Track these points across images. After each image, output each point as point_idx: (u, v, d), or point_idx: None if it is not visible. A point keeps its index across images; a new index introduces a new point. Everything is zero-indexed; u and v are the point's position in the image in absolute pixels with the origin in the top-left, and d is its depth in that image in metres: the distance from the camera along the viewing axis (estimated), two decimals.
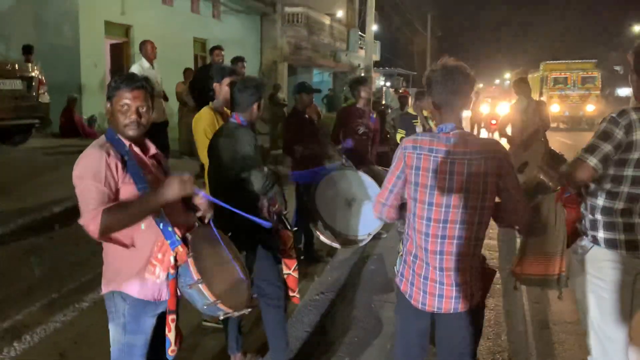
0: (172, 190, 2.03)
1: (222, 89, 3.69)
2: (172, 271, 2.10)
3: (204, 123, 3.59)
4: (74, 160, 2.09)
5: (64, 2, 11.52)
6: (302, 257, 5.22)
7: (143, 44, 6.85)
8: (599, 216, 2.39)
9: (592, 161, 2.28)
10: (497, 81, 60.97)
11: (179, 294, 2.15)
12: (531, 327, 4.07)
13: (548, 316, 4.21)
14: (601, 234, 2.38)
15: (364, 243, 4.96)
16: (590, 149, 2.30)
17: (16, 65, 8.09)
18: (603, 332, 2.43)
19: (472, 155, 2.10)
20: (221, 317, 2.22)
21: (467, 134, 2.17)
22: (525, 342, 3.83)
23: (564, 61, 27.17)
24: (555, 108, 24.28)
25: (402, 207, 2.31)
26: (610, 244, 2.36)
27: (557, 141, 17.33)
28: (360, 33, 28.05)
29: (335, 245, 4.81)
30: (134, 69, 6.73)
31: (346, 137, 5.51)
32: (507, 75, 51.93)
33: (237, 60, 8.60)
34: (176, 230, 2.11)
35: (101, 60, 12.35)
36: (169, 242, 2.09)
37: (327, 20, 23.34)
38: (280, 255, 3.14)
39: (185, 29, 15.15)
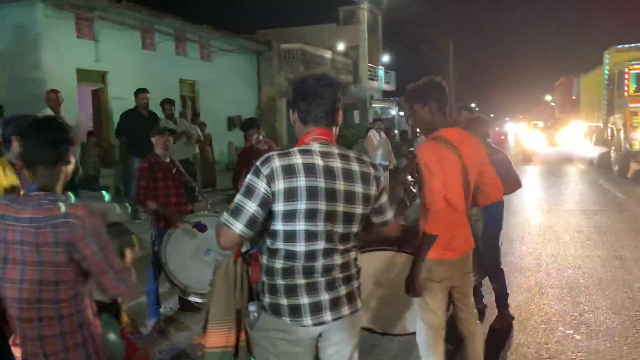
0: None
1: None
2: None
3: None
4: None
5: (35, 54, 11.80)
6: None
7: (46, 93, 6.74)
8: (264, 277, 1.99)
9: (238, 227, 1.88)
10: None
11: None
12: None
13: None
14: (267, 299, 1.98)
15: None
16: (235, 211, 1.90)
17: None
18: None
19: (32, 222, 1.83)
20: None
21: (34, 197, 1.86)
22: None
23: None
24: None
25: None
26: (274, 310, 1.95)
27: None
28: (370, 65, 27.90)
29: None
30: None
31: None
32: (548, 97, 47.49)
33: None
34: None
35: (73, 107, 12.48)
36: None
37: (327, 54, 23.26)
38: None
39: (169, 71, 15.23)
